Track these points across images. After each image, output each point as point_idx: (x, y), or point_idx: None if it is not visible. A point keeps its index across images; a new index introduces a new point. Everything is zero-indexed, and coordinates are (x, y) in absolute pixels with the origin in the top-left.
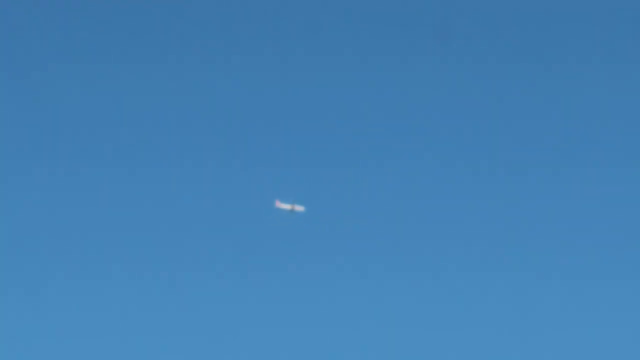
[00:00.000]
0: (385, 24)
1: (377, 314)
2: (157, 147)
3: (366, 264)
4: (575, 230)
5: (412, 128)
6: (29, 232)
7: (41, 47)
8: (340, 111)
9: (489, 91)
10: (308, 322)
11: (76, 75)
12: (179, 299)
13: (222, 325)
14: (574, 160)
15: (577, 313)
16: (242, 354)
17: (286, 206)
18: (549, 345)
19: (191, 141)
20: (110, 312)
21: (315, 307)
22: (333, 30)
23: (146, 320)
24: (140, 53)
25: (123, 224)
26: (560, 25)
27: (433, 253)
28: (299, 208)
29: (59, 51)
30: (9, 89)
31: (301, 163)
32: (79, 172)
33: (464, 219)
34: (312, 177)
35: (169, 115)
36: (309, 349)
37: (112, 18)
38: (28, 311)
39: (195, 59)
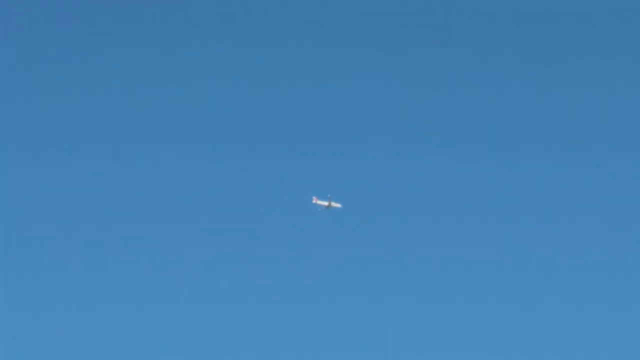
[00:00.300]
0: (388, 24)
1: (415, 310)
2: (193, 146)
3: (403, 261)
4: (576, 229)
5: (439, 129)
6: (29, 228)
7: (39, 45)
8: (361, 113)
9: (491, 90)
10: (345, 314)
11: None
12: (216, 292)
13: (260, 316)
14: (573, 159)
15: (579, 312)
16: (277, 347)
17: (323, 203)
18: (551, 346)
19: (233, 139)
20: (129, 311)
21: (352, 302)
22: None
23: (177, 316)
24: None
25: (157, 223)
26: (560, 25)
27: (467, 251)
28: (336, 205)
29: (56, 48)
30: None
31: (338, 162)
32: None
33: (497, 218)
34: (350, 175)
35: (209, 116)
36: (339, 345)
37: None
38: (28, 311)
39: (230, 61)
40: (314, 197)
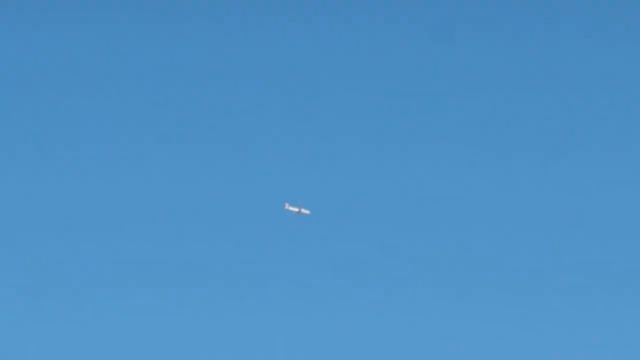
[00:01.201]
0: (387, 23)
1: (380, 319)
2: (166, 148)
3: (370, 267)
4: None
5: (419, 130)
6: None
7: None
8: (345, 114)
9: (490, 92)
10: (312, 323)
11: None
12: (183, 302)
13: (226, 327)
14: (575, 161)
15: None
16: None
17: (294, 209)
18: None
19: (207, 142)
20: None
21: (322, 309)
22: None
23: (148, 324)
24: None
25: (123, 223)
26: (562, 25)
27: (436, 256)
28: (305, 211)
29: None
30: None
31: (311, 166)
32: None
33: (470, 223)
34: (319, 181)
35: (184, 116)
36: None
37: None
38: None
39: (202, 56)
40: (286, 204)
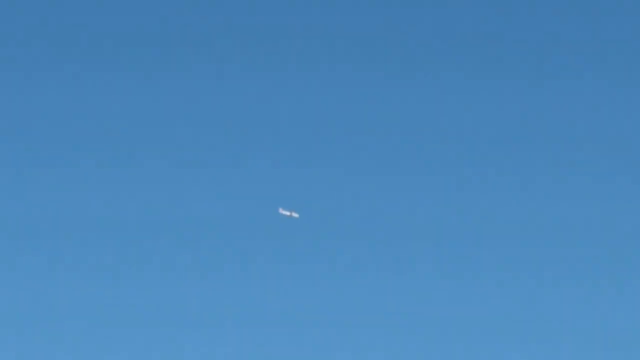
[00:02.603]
0: (386, 23)
1: (372, 317)
2: (159, 149)
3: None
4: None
5: (415, 132)
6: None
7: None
8: (342, 116)
9: (492, 93)
10: (305, 322)
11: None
12: (181, 302)
13: (223, 326)
14: (576, 165)
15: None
16: (241, 354)
17: (286, 213)
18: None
19: (208, 146)
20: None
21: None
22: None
23: (147, 324)
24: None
25: (124, 226)
26: (563, 25)
27: (429, 257)
28: (295, 215)
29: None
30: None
31: (305, 170)
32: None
33: (465, 225)
34: (310, 184)
35: (174, 117)
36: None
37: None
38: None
39: (197, 59)
40: (280, 208)
